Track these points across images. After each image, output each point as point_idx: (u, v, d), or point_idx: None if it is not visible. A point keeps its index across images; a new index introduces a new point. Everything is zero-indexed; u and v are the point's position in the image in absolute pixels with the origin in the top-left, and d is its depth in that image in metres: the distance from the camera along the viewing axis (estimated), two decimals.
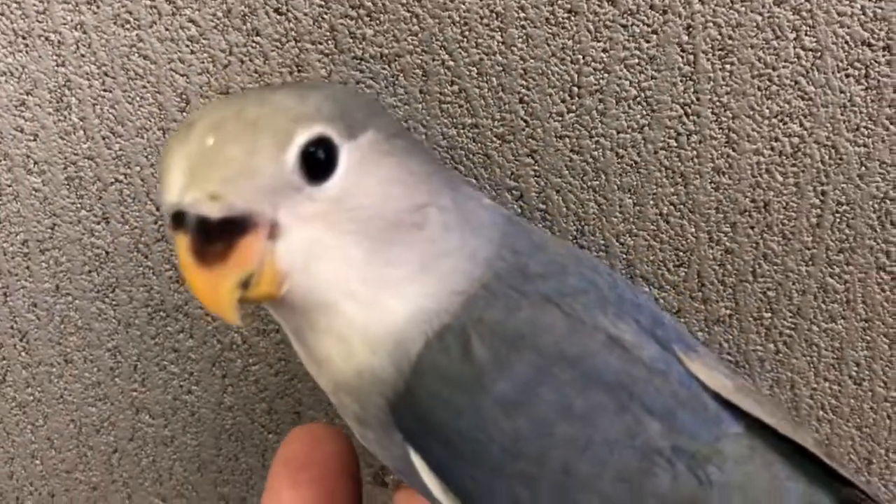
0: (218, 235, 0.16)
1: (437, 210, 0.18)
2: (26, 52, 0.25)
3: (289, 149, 0.16)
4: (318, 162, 0.16)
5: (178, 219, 0.16)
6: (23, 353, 0.29)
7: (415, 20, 0.24)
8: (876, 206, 0.25)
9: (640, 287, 0.23)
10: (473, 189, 0.21)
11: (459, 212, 0.19)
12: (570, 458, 0.17)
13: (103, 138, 0.26)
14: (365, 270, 0.17)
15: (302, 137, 0.16)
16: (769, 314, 0.27)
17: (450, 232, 0.18)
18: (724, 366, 0.21)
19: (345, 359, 0.18)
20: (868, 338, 0.27)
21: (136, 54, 0.25)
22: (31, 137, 0.26)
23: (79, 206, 0.27)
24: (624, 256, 0.27)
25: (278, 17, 0.24)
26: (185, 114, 0.25)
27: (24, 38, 0.25)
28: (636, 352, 0.18)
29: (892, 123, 0.24)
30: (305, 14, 0.24)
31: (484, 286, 0.18)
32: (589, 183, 0.26)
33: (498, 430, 0.17)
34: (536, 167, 0.26)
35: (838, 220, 0.26)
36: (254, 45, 0.25)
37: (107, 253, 0.27)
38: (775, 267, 0.26)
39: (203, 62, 0.25)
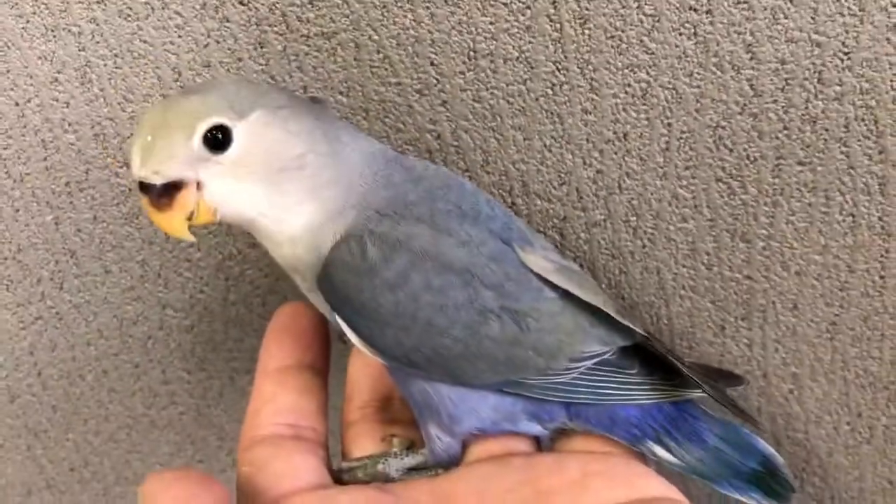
0: (165, 192, 0.25)
1: (315, 155, 0.26)
2: (55, 41, 0.33)
3: (194, 137, 0.25)
4: (217, 140, 0.25)
5: (141, 185, 0.25)
6: (74, 267, 0.38)
7: (346, 5, 0.31)
8: (711, 132, 0.33)
9: (497, 202, 0.31)
10: (359, 138, 0.29)
11: (334, 155, 0.27)
12: (432, 316, 0.27)
13: (118, 104, 0.34)
14: (266, 200, 0.26)
15: (202, 127, 0.25)
16: (635, 217, 0.35)
17: (325, 170, 0.27)
18: (556, 255, 0.30)
19: (284, 250, 0.27)
20: (714, 233, 0.35)
21: (138, 39, 0.33)
22: (65, 105, 0.34)
23: (105, 154, 0.35)
24: (519, 178, 0.34)
25: (243, 6, 0.32)
26: (178, 83, 0.33)
27: (52, 30, 0.32)
28: (479, 248, 0.27)
29: (718, 69, 0.31)
30: (263, 4, 0.32)
31: (376, 210, 0.27)
32: (489, 124, 0.33)
33: (385, 300, 0.26)
34: (448, 114, 0.33)
35: (682, 144, 0.33)
36: (226, 29, 0.32)
37: (129, 189, 0.36)
38: (636, 181, 0.34)
39: (188, 44, 0.33)
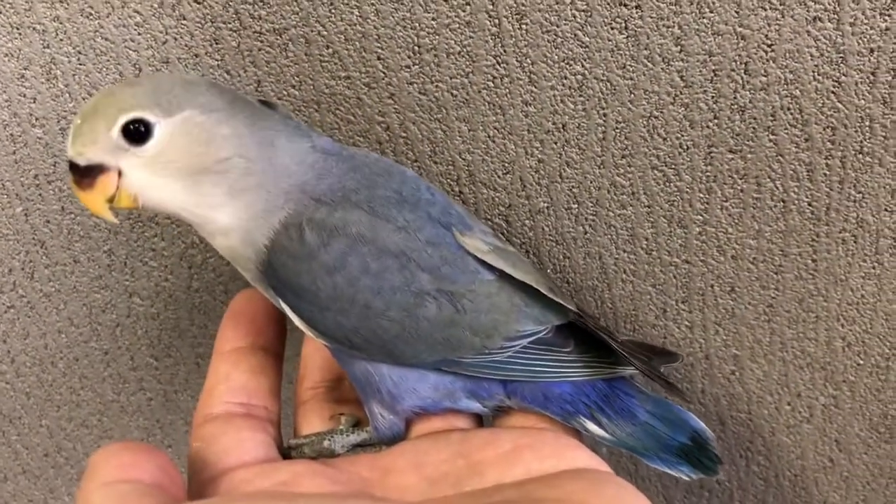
0: (88, 173, 0.27)
1: (242, 160, 0.28)
2: (20, 38, 0.34)
3: (114, 127, 0.26)
4: (138, 133, 0.26)
5: (70, 164, 0.27)
6: (43, 257, 0.39)
7: (295, 2, 0.33)
8: (645, 122, 0.34)
9: (437, 188, 0.32)
10: (296, 140, 0.29)
11: (263, 160, 0.28)
12: (369, 299, 0.28)
13: (83, 99, 0.36)
14: (185, 198, 0.28)
15: (123, 119, 0.26)
16: (576, 205, 0.37)
17: (250, 175, 0.28)
18: (493, 238, 0.32)
19: (217, 241, 0.29)
20: (652, 219, 0.37)
21: (100, 37, 0.34)
22: (31, 101, 0.36)
23: None
24: (466, 168, 0.36)
25: (198, 4, 0.33)
26: (136, 77, 0.35)
27: (17, 28, 0.34)
28: (416, 233, 0.29)
29: (649, 61, 0.33)
30: (217, 1, 0.33)
31: (313, 198, 0.28)
32: (434, 116, 0.35)
33: (324, 284, 0.28)
34: (396, 106, 0.35)
35: (618, 134, 0.35)
36: (182, 26, 0.34)
37: None
38: (576, 170, 0.36)
39: (147, 41, 0.34)
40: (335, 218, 0.28)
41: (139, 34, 0.34)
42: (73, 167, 0.27)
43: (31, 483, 0.47)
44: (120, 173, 0.27)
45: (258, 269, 0.29)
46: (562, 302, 0.31)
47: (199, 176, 0.27)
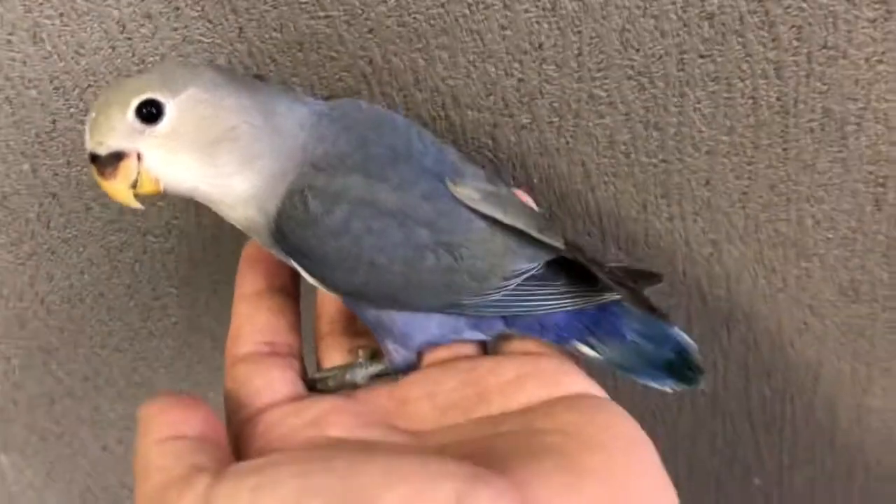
0: (111, 162, 0.28)
1: (248, 126, 0.29)
2: (2, 5, 0.35)
3: (128, 111, 0.28)
4: (150, 114, 0.28)
5: (91, 157, 0.29)
6: (57, 207, 0.42)
7: None
8: (618, 36, 0.36)
9: (428, 134, 0.33)
10: (294, 105, 0.31)
11: (268, 126, 0.29)
12: (374, 257, 0.30)
13: (72, 58, 0.37)
14: (201, 170, 0.29)
15: (135, 102, 0.28)
16: (557, 118, 0.38)
17: (259, 140, 0.29)
18: (484, 183, 0.33)
19: (237, 213, 0.31)
20: (629, 125, 0.38)
21: None
22: (22, 64, 0.37)
23: (68, 104, 0.38)
24: (449, 93, 0.38)
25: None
26: (123, 34, 0.36)
27: None
28: (412, 189, 0.30)
29: None
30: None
31: (312, 164, 0.30)
32: (415, 46, 0.36)
33: (330, 247, 0.30)
34: (376, 40, 0.36)
35: (593, 49, 0.36)
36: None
37: None
38: (555, 86, 0.37)
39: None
40: (336, 184, 0.30)
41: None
42: (94, 159, 0.29)
43: (77, 403, 0.51)
44: (139, 157, 0.29)
45: (270, 236, 0.31)
46: (550, 242, 0.33)
47: (213, 147, 0.29)
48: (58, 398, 0.51)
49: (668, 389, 0.35)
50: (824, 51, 0.36)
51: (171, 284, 0.46)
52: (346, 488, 0.23)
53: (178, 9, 0.35)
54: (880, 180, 0.40)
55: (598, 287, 0.34)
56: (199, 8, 0.35)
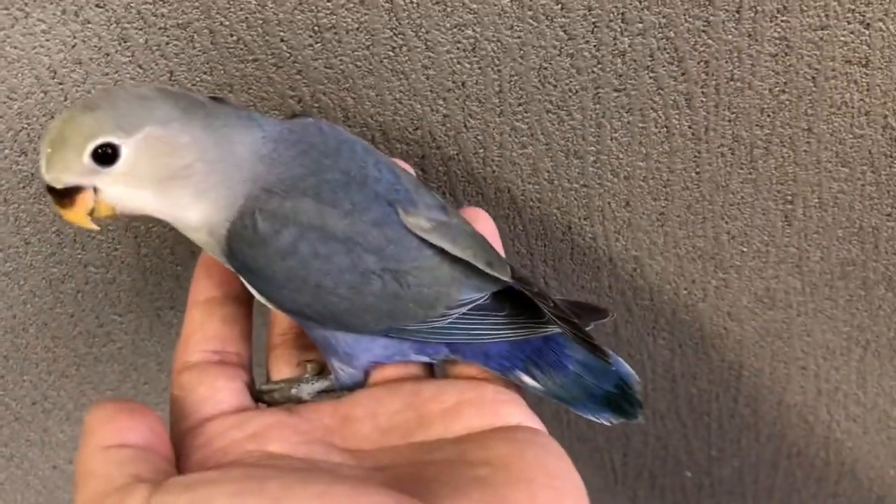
0: (67, 193, 0.29)
1: (202, 163, 0.30)
2: None
3: (84, 154, 0.29)
4: (106, 155, 0.29)
5: (48, 187, 0.30)
6: None
7: None
8: (536, 73, 0.37)
9: (386, 163, 0.34)
10: (249, 131, 0.31)
11: (223, 159, 0.30)
12: (319, 280, 0.31)
13: (4, 103, 0.37)
14: (157, 204, 0.30)
15: (91, 146, 0.28)
16: (482, 150, 0.40)
17: (213, 174, 0.30)
18: (437, 212, 0.33)
19: (192, 235, 0.32)
20: (550, 154, 0.40)
21: (9, 46, 0.35)
22: None
23: (2, 146, 0.39)
24: (378, 128, 0.39)
25: (100, 9, 0.35)
26: (55, 80, 0.37)
27: None
28: (361, 216, 0.31)
29: (534, 20, 0.36)
30: (118, 4, 0.35)
31: (264, 189, 0.31)
32: (342, 86, 0.38)
33: (278, 267, 0.31)
34: (305, 81, 0.37)
35: (513, 86, 0.38)
36: (89, 30, 0.35)
37: (31, 174, 0.40)
38: (478, 120, 0.39)
39: (57, 45, 0.35)
40: (285, 208, 0.30)
41: (47, 40, 0.35)
42: (52, 190, 0.29)
43: (25, 426, 0.52)
44: (95, 189, 0.29)
45: (222, 253, 0.32)
46: (496, 275, 0.33)
47: (167, 182, 0.30)
48: (6, 423, 0.51)
49: (605, 422, 0.35)
50: (731, 83, 0.38)
51: (114, 312, 0.47)
52: None
53: (108, 55, 0.36)
54: (789, 198, 0.42)
55: (543, 318, 0.34)
56: (128, 53, 0.36)
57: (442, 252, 0.33)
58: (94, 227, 0.30)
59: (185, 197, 0.30)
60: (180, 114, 0.30)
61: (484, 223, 0.37)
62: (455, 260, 0.33)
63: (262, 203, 0.31)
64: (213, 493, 0.25)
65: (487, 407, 0.32)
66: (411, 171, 0.37)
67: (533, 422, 0.32)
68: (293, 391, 0.35)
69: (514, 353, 0.34)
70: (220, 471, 0.29)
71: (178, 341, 0.35)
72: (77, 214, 0.30)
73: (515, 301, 0.34)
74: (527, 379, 0.34)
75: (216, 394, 0.32)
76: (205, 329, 0.34)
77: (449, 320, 0.33)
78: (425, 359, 0.35)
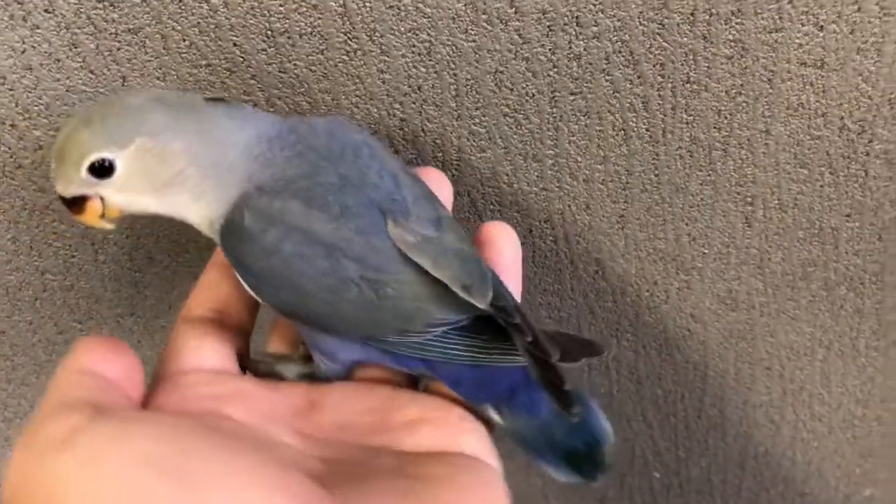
0: (77, 202, 0.31)
1: (195, 168, 0.31)
2: None
3: (81, 169, 0.30)
4: (102, 169, 0.30)
5: (60, 197, 0.32)
6: None
7: (145, 3, 0.34)
8: (492, 77, 0.37)
9: (391, 171, 0.33)
10: (243, 130, 0.32)
11: (215, 163, 0.31)
12: (300, 281, 0.31)
13: None
14: (158, 207, 0.32)
15: (87, 162, 0.30)
16: (441, 153, 0.40)
17: (206, 178, 0.31)
18: (429, 228, 0.32)
19: (197, 229, 0.33)
20: (509, 158, 0.40)
21: None
22: None
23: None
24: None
25: (49, 14, 0.34)
26: (4, 86, 0.36)
27: None
28: (347, 222, 0.31)
29: (488, 24, 0.35)
30: (67, 10, 0.34)
31: (258, 187, 0.31)
32: (297, 91, 0.37)
33: (263, 264, 0.31)
34: (259, 85, 0.37)
35: (469, 90, 0.38)
36: (38, 35, 0.35)
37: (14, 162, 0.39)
38: (436, 125, 0.39)
39: (6, 52, 0.35)
40: (273, 207, 0.31)
41: None
42: (63, 199, 0.32)
43: None
44: (102, 198, 0.31)
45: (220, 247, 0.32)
46: (473, 301, 0.32)
47: (164, 189, 0.31)
48: None
49: (560, 478, 0.34)
50: (687, 85, 0.38)
51: (73, 319, 0.46)
52: (185, 468, 0.24)
53: (58, 60, 0.36)
54: (748, 199, 0.43)
55: (516, 351, 0.32)
56: (79, 59, 0.36)
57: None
58: (109, 226, 0.32)
59: (184, 200, 0.32)
60: (172, 122, 0.31)
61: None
62: (433, 280, 0.32)
63: (253, 201, 0.31)
64: (137, 431, 0.25)
65: (447, 430, 0.32)
66: (445, 182, 0.37)
67: (489, 457, 0.31)
68: (278, 367, 0.35)
69: (486, 384, 0.33)
70: (160, 414, 0.29)
71: (191, 292, 0.35)
72: (89, 219, 0.32)
73: (499, 328, 0.32)
74: (493, 413, 0.33)
75: (202, 350, 0.33)
76: (215, 289, 0.35)
77: (427, 337, 0.33)
78: (404, 370, 0.34)
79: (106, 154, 0.30)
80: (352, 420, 0.32)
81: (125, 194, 0.31)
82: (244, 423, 0.30)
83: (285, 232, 0.31)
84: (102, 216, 0.32)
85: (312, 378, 0.35)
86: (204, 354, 0.32)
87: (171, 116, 0.31)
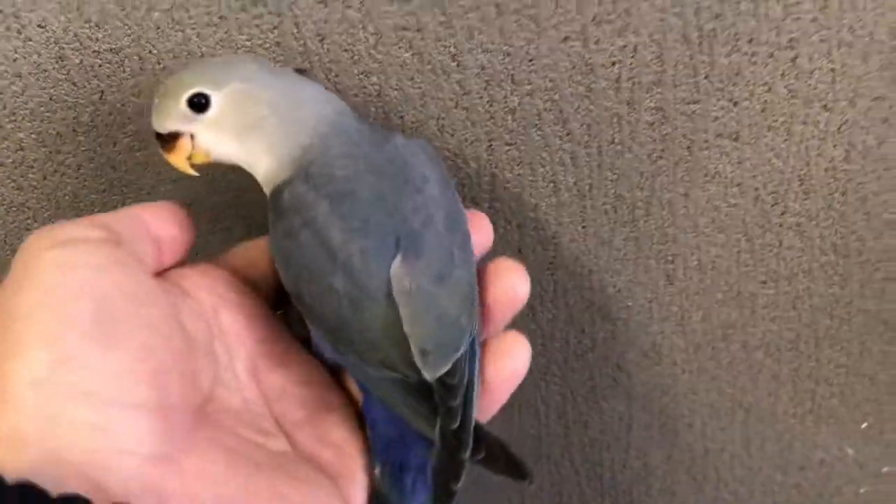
0: (170, 139, 0.35)
1: (275, 118, 0.34)
2: None
3: (181, 101, 0.34)
4: (199, 104, 0.34)
5: (156, 134, 0.35)
6: None
7: (126, 27, 0.38)
8: (435, 122, 0.41)
9: (430, 213, 0.34)
10: (324, 103, 0.35)
11: (291, 119, 0.34)
12: (301, 271, 0.33)
13: None
14: (239, 152, 0.35)
15: (186, 94, 0.34)
16: None
17: (280, 130, 0.34)
18: (429, 278, 0.33)
19: (264, 187, 0.36)
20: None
21: None
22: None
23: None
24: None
25: (41, 28, 0.38)
26: None
27: None
28: (358, 240, 0.33)
29: (433, 73, 0.40)
30: (58, 26, 0.38)
31: (306, 171, 0.34)
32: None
33: (281, 243, 0.34)
34: None
35: (413, 132, 0.41)
36: (29, 46, 0.39)
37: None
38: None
39: None
40: (307, 199, 0.33)
41: None
42: (158, 135, 0.35)
43: None
44: (192, 136, 0.35)
45: None
46: (421, 368, 0.33)
47: (247, 132, 0.34)
48: None
49: None
50: (612, 145, 0.42)
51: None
52: (100, 319, 0.29)
53: (45, 70, 0.40)
54: (669, 258, 0.46)
55: (433, 426, 0.33)
56: (64, 71, 0.40)
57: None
58: (193, 172, 0.36)
59: (260, 147, 0.35)
60: (264, 74, 0.35)
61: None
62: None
63: (297, 185, 0.34)
64: (107, 276, 0.30)
65: (344, 464, 0.35)
66: (487, 226, 0.39)
67: None
68: (296, 321, 0.38)
69: (394, 443, 0.35)
70: (138, 273, 0.33)
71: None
72: (178, 158, 0.35)
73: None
74: (377, 472, 0.35)
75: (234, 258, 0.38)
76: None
77: (378, 375, 0.34)
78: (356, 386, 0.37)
79: (205, 90, 0.34)
80: (287, 419, 0.36)
81: (215, 132, 0.34)
82: (208, 320, 0.35)
83: (305, 222, 0.33)
84: (190, 159, 0.35)
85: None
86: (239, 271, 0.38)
87: (264, 70, 0.35)
